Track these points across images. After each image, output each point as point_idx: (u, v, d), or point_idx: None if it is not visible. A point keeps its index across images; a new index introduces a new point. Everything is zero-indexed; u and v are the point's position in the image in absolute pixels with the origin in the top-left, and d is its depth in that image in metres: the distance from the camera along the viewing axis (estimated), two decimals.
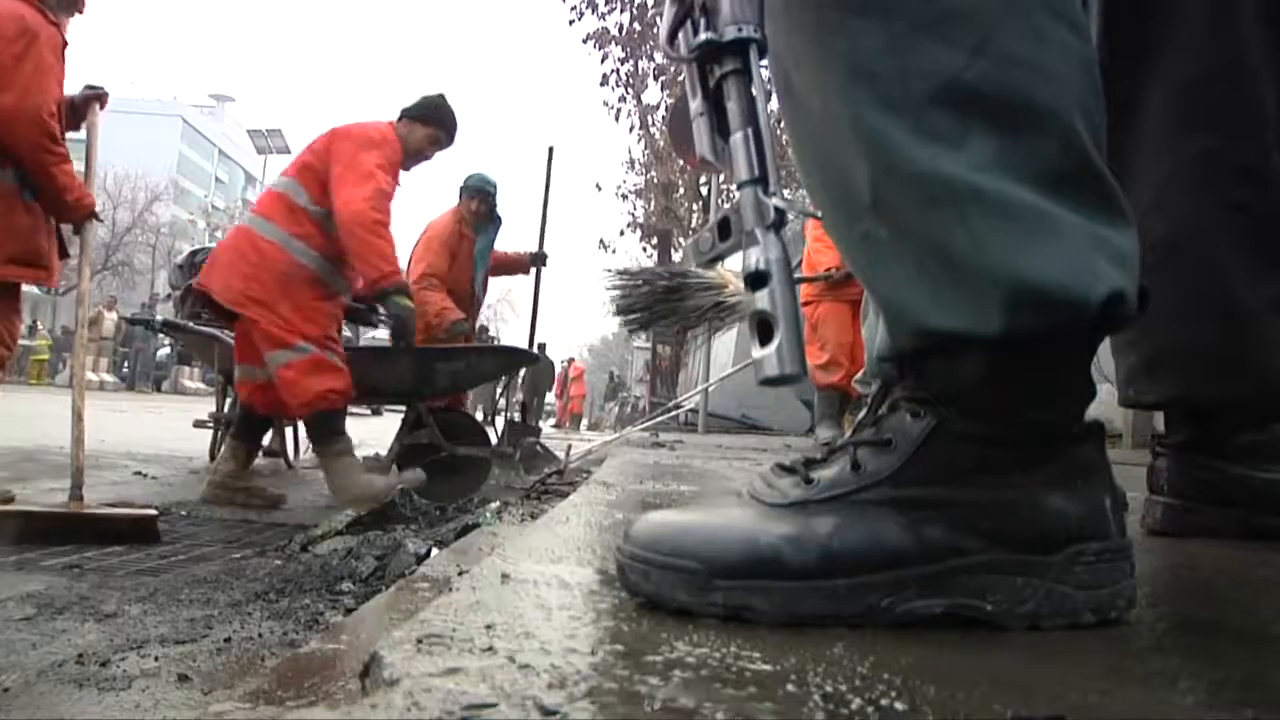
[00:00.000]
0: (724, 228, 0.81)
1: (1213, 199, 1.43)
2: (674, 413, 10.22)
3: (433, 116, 4.60)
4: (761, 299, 0.74)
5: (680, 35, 0.87)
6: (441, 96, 4.74)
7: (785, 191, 0.80)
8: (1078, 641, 0.75)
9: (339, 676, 0.98)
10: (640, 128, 16.08)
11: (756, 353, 0.74)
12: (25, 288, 3.93)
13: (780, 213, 0.76)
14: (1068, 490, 0.81)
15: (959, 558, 0.79)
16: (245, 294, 4.04)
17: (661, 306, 5.66)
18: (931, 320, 0.82)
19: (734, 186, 0.81)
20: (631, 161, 17.34)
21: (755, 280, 0.75)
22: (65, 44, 3.85)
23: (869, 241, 0.85)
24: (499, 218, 6.19)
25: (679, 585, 0.78)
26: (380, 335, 5.72)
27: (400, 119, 4.53)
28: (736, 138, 0.81)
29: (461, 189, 6.10)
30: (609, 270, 6.18)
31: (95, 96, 4.03)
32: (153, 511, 3.36)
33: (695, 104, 0.86)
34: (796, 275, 5.75)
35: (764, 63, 0.86)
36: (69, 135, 3.99)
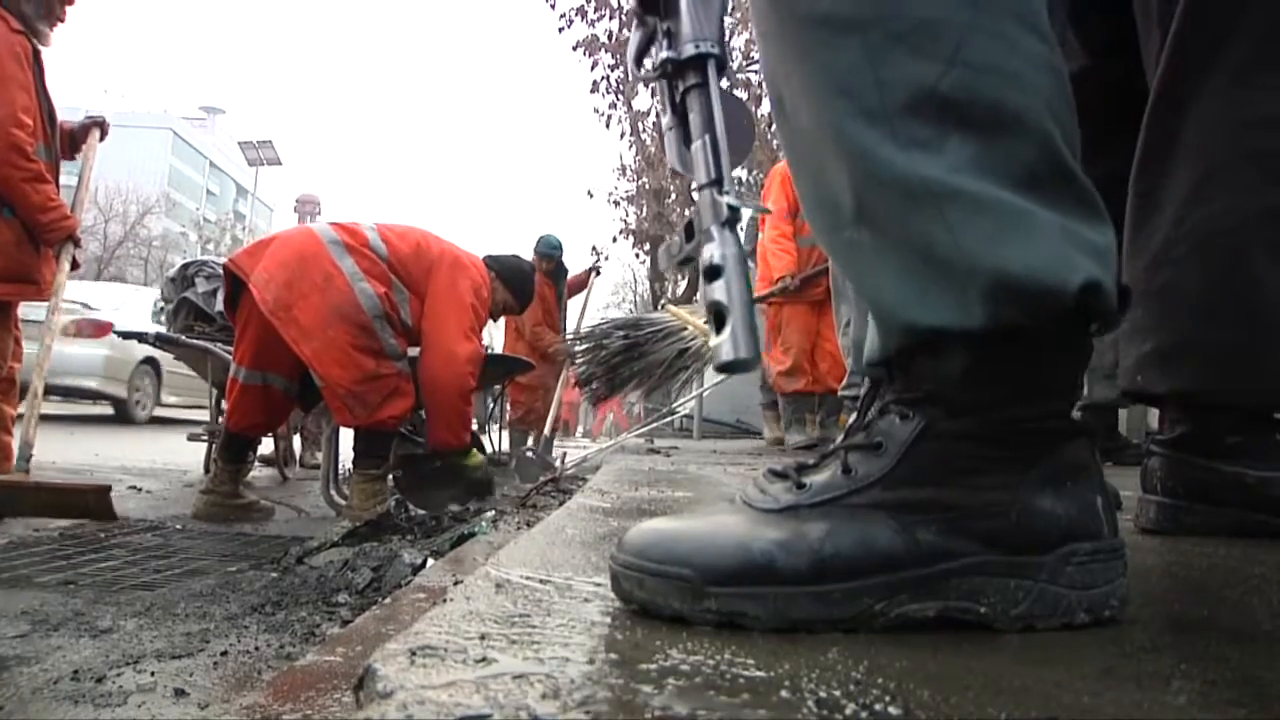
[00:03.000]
0: (689, 231, 0.84)
1: (1254, 199, 1.42)
2: (669, 419, 10.20)
3: (519, 288, 4.71)
4: (717, 289, 0.77)
5: (648, 57, 0.92)
6: (532, 268, 4.85)
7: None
8: (1071, 643, 0.75)
9: (334, 689, 0.98)
10: (631, 134, 16.06)
11: (713, 340, 0.76)
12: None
13: (734, 210, 0.79)
14: (1058, 490, 0.82)
15: (951, 560, 0.80)
16: (289, 309, 3.84)
17: (623, 370, 5.82)
18: (917, 317, 0.83)
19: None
20: (623, 168, 17.30)
21: (711, 273, 0.78)
22: (37, 52, 3.80)
23: (855, 247, 0.87)
24: (565, 269, 8.30)
25: (672, 593, 0.79)
26: None
27: (490, 268, 4.48)
28: (696, 145, 0.84)
29: (535, 251, 7.97)
30: (567, 339, 6.70)
31: (95, 124, 4.06)
32: (106, 484, 3.44)
33: (666, 119, 0.91)
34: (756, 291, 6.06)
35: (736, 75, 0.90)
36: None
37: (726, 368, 0.75)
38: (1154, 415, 1.80)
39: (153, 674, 1.68)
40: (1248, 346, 1.42)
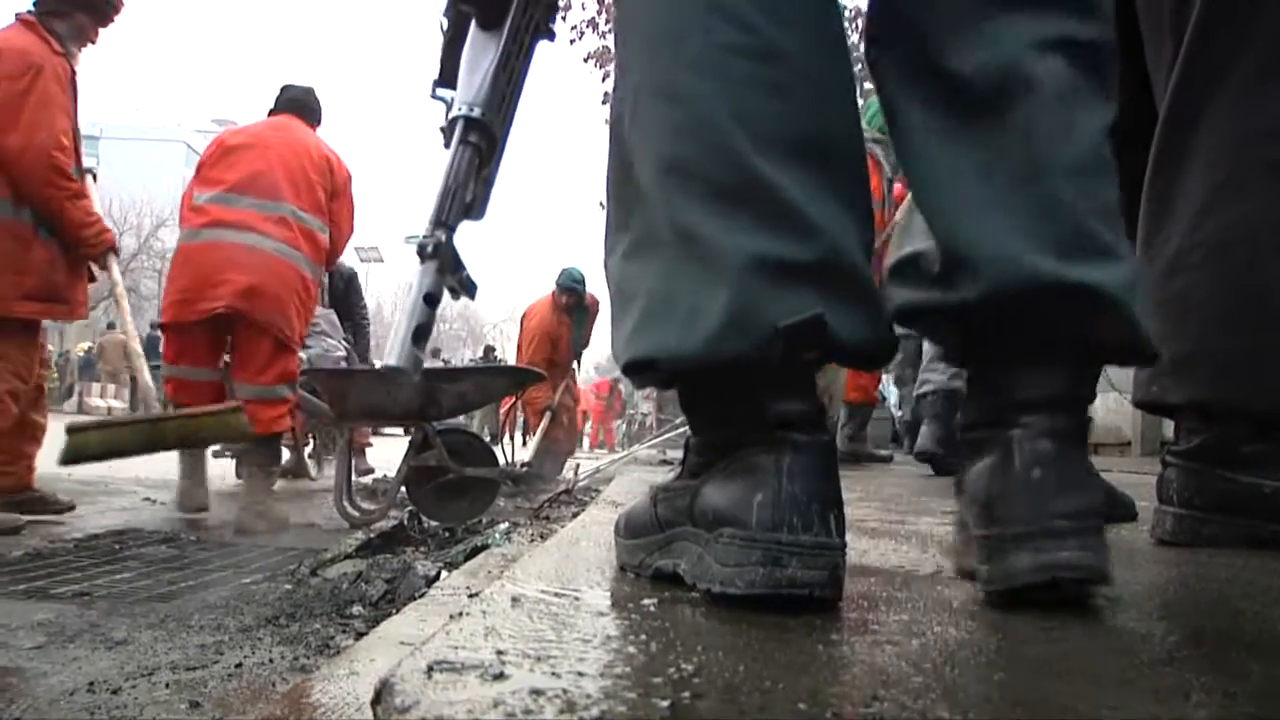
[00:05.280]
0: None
1: (1267, 208, 1.42)
2: (682, 429, 10.17)
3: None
4: (402, 308, 0.96)
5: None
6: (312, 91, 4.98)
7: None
8: (1089, 655, 0.75)
9: (350, 703, 0.98)
10: None
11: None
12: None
13: (422, 246, 0.97)
14: (725, 487, 0.96)
15: (673, 528, 1.05)
16: (301, 334, 4.42)
17: None
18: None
19: None
20: None
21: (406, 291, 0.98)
22: (74, 73, 3.91)
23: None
24: (589, 308, 7.82)
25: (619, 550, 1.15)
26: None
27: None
28: (437, 187, 1.02)
29: (556, 283, 7.69)
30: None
31: (88, 171, 4.25)
32: (236, 403, 3.80)
33: None
34: None
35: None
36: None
37: (387, 369, 0.92)
38: (1169, 425, 1.79)
39: (167, 686, 1.68)
40: (1263, 354, 1.42)
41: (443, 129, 1.06)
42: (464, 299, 1.02)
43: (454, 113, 1.05)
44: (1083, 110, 0.97)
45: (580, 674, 0.64)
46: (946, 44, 0.99)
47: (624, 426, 25.85)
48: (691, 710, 0.57)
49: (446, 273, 0.96)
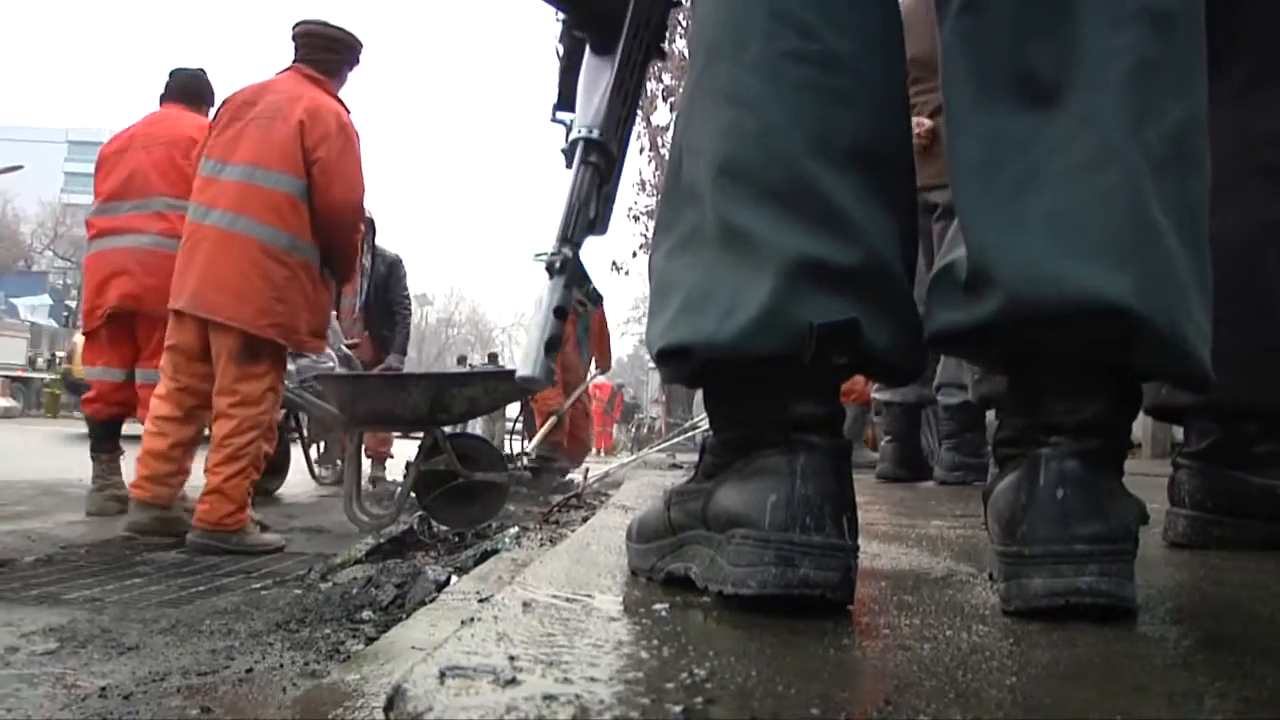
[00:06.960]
0: None
1: (1266, 212, 1.43)
2: (691, 433, 10.17)
3: None
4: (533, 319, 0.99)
5: None
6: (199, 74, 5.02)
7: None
8: (1103, 659, 0.74)
9: (361, 708, 0.98)
10: (650, 149, 16.02)
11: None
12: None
13: (550, 263, 0.99)
14: (739, 489, 0.96)
15: (684, 531, 1.05)
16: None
17: None
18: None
19: None
20: (642, 183, 17.25)
21: (536, 307, 1.01)
22: None
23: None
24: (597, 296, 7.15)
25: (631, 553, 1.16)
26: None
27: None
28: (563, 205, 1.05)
29: None
30: None
31: None
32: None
33: None
34: None
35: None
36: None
37: (519, 379, 0.96)
38: (1179, 427, 1.80)
39: (179, 691, 1.68)
40: (1270, 351, 1.42)
41: (564, 151, 1.11)
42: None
43: (574, 135, 1.10)
44: (1158, 92, 0.89)
45: (593, 679, 0.64)
46: (1019, 20, 0.91)
47: (632, 430, 25.90)
48: (704, 715, 0.57)
49: (574, 286, 0.99)
